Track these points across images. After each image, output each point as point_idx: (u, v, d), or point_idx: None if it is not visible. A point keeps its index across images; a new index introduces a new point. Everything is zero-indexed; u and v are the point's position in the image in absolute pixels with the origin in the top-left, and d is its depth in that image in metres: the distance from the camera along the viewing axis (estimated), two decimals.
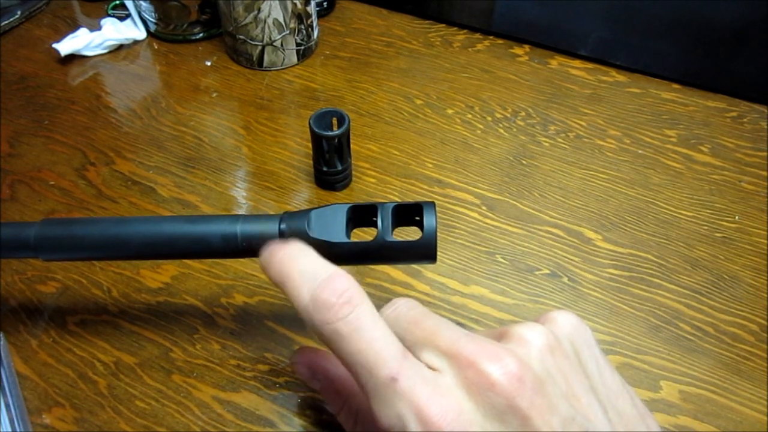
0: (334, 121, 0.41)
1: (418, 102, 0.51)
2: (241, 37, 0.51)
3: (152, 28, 0.56)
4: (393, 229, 0.27)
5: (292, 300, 0.23)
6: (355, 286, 0.22)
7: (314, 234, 0.27)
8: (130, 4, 0.56)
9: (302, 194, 0.43)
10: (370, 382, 0.21)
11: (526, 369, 0.20)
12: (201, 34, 0.56)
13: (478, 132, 0.48)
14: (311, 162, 0.43)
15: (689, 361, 0.34)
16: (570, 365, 0.22)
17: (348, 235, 0.27)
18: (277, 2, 0.49)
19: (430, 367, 0.22)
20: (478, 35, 0.58)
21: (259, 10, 0.49)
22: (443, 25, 0.59)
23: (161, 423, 0.31)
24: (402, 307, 0.24)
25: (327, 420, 0.32)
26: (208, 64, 0.54)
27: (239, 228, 0.28)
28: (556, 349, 0.22)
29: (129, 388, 0.33)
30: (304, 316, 0.22)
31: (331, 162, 0.41)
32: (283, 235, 0.28)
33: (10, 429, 0.31)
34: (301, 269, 0.23)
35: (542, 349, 0.21)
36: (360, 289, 0.22)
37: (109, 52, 0.55)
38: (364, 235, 0.31)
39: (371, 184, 0.44)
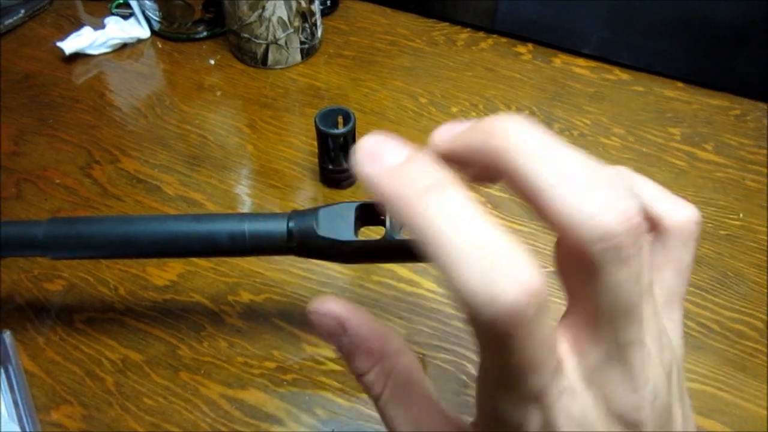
0: (340, 119, 0.41)
1: (422, 100, 0.51)
2: (246, 35, 0.51)
3: (156, 26, 0.56)
4: (401, 228, 0.27)
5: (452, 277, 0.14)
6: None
7: (323, 232, 0.27)
8: (134, 3, 0.57)
9: (307, 192, 0.43)
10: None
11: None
12: (205, 33, 0.56)
13: None
14: (316, 160, 0.43)
15: (694, 357, 0.35)
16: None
17: (356, 234, 0.28)
18: (282, 1, 0.49)
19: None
20: (481, 34, 0.58)
21: (263, 8, 0.49)
22: (446, 23, 0.59)
23: (169, 420, 0.32)
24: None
25: (333, 417, 0.32)
26: (212, 62, 0.54)
27: (246, 227, 0.28)
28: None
29: (136, 386, 0.33)
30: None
31: (336, 160, 0.41)
32: (291, 234, 0.28)
33: (18, 427, 0.31)
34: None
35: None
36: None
37: (113, 50, 0.55)
38: (371, 233, 0.31)
39: None
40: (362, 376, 0.22)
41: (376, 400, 0.22)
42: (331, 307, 0.22)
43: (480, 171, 0.17)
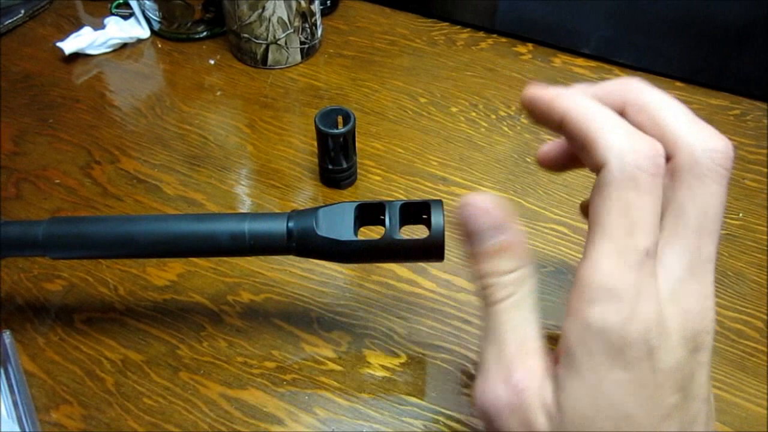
0: (340, 119, 0.41)
1: (422, 100, 0.51)
2: (246, 35, 0.51)
3: (156, 26, 0.56)
4: (400, 227, 0.28)
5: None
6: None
7: (322, 232, 0.27)
8: (133, 3, 0.57)
9: (307, 192, 0.43)
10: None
11: None
12: (205, 33, 0.56)
13: (482, 130, 0.48)
14: (316, 160, 0.43)
15: None
16: None
17: (356, 233, 0.28)
18: (282, 1, 0.49)
19: None
20: (481, 34, 0.58)
21: (263, 8, 0.49)
22: (446, 23, 0.59)
23: (169, 420, 0.32)
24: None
25: (333, 417, 0.32)
26: (212, 62, 0.54)
27: (247, 227, 0.29)
28: None
29: (136, 386, 0.33)
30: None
31: (336, 160, 0.41)
32: (290, 234, 0.28)
33: (18, 427, 0.31)
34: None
35: None
36: None
37: (113, 50, 0.55)
38: (371, 233, 0.31)
39: (376, 182, 0.44)
40: (501, 275, 0.22)
41: (500, 301, 0.21)
42: (493, 203, 0.22)
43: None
